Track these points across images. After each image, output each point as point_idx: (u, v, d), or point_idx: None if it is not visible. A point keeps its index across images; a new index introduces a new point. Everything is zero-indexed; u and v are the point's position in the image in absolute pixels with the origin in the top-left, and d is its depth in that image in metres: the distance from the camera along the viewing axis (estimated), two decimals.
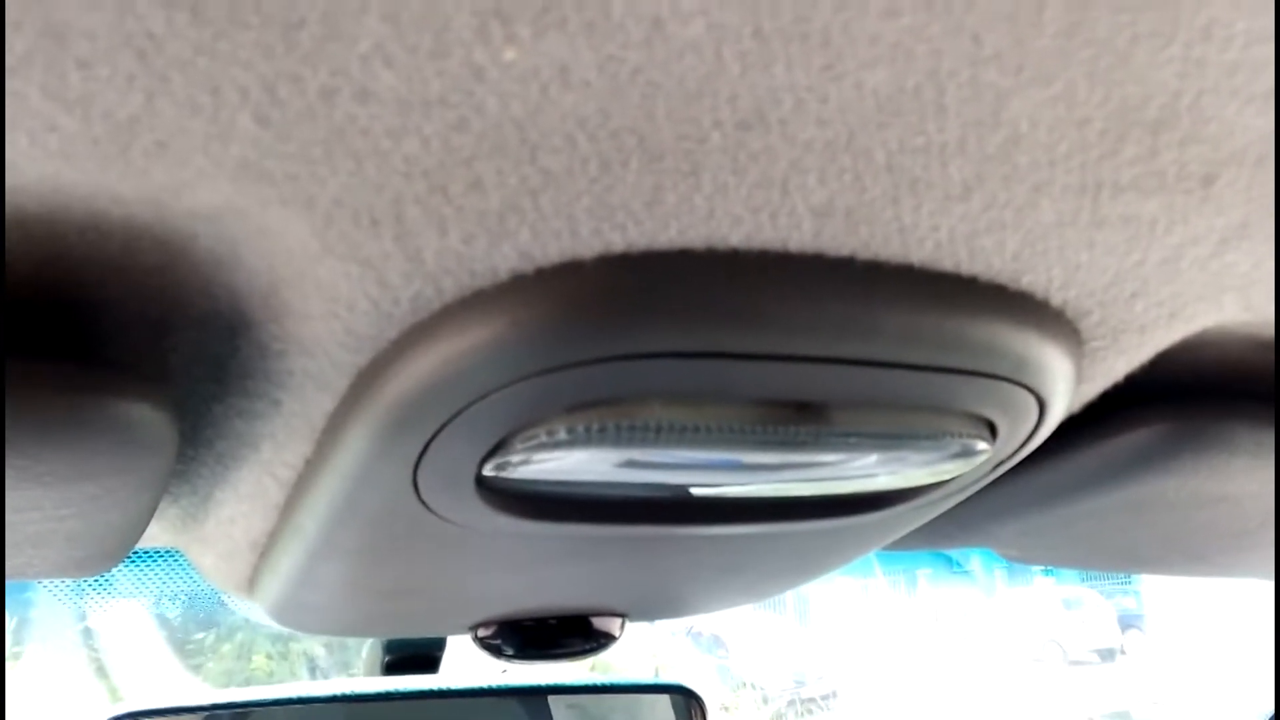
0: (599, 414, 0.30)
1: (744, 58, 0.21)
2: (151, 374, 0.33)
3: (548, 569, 0.50)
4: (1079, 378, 0.35)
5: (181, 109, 0.20)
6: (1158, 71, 0.22)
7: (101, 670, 5.37)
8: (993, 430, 0.35)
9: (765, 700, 7.76)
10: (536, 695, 1.16)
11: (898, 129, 0.23)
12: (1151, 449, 0.43)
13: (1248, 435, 0.43)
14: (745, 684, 7.90)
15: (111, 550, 0.44)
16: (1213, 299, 0.33)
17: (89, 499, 0.35)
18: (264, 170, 0.22)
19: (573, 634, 0.64)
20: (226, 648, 5.98)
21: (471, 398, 0.29)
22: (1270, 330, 0.37)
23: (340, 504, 0.37)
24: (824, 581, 0.67)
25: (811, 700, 7.84)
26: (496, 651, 0.66)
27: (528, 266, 0.26)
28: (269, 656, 6.12)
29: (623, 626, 0.67)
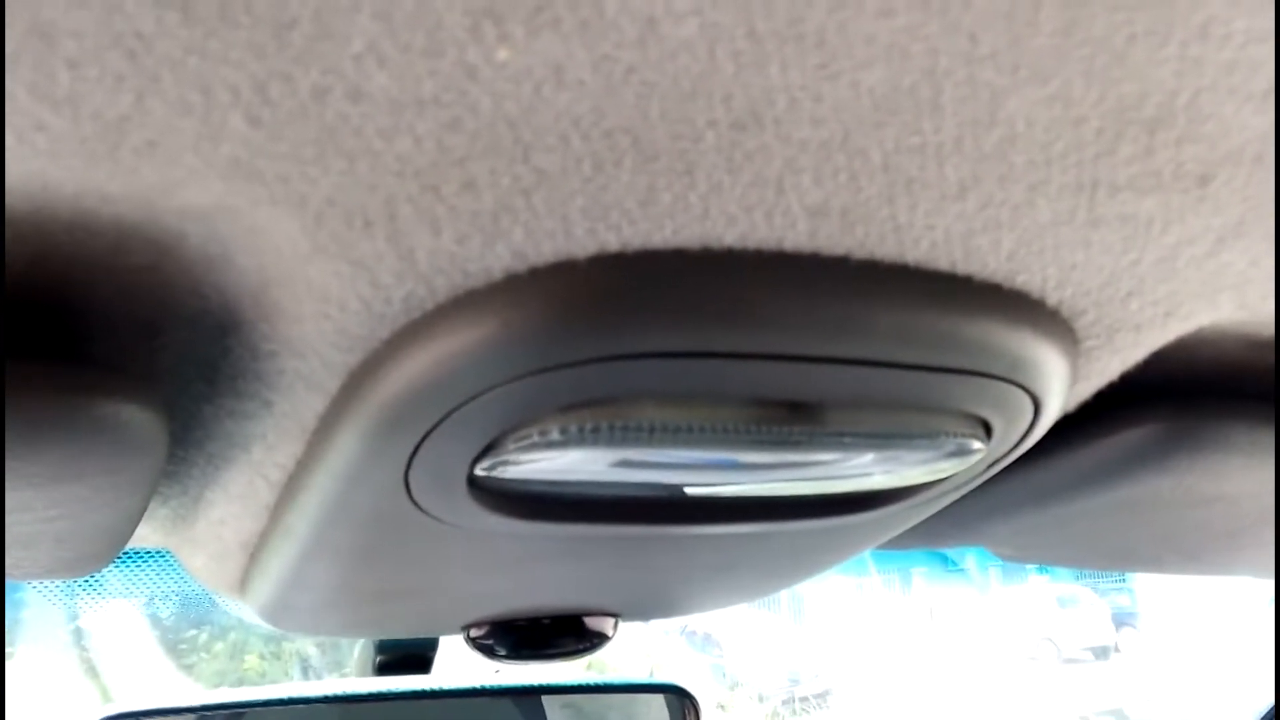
0: (592, 414, 0.29)
1: (738, 57, 0.20)
2: (141, 374, 0.33)
3: (540, 569, 0.50)
4: (1074, 377, 0.35)
5: (172, 108, 0.20)
6: (1154, 70, 0.22)
7: (93, 670, 5.35)
8: (988, 429, 0.35)
9: (761, 699, 7.77)
10: (530, 695, 1.15)
11: (893, 128, 0.23)
12: (1147, 448, 0.43)
13: (1243, 434, 0.43)
14: (740, 683, 7.91)
15: (101, 551, 0.43)
16: (1208, 298, 0.32)
17: (78, 500, 0.35)
18: (255, 170, 0.22)
19: (565, 634, 0.64)
20: (219, 647, 5.97)
21: (464, 397, 0.29)
22: (1265, 329, 0.37)
23: (332, 505, 0.37)
24: (818, 580, 0.67)
25: (807, 699, 7.86)
26: (489, 652, 0.65)
27: (521, 266, 0.26)
28: (262, 656, 6.10)
29: (616, 626, 0.66)
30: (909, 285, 0.29)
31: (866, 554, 0.57)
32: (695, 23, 0.19)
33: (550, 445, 0.30)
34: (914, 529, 0.49)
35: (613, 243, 0.26)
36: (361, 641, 1.06)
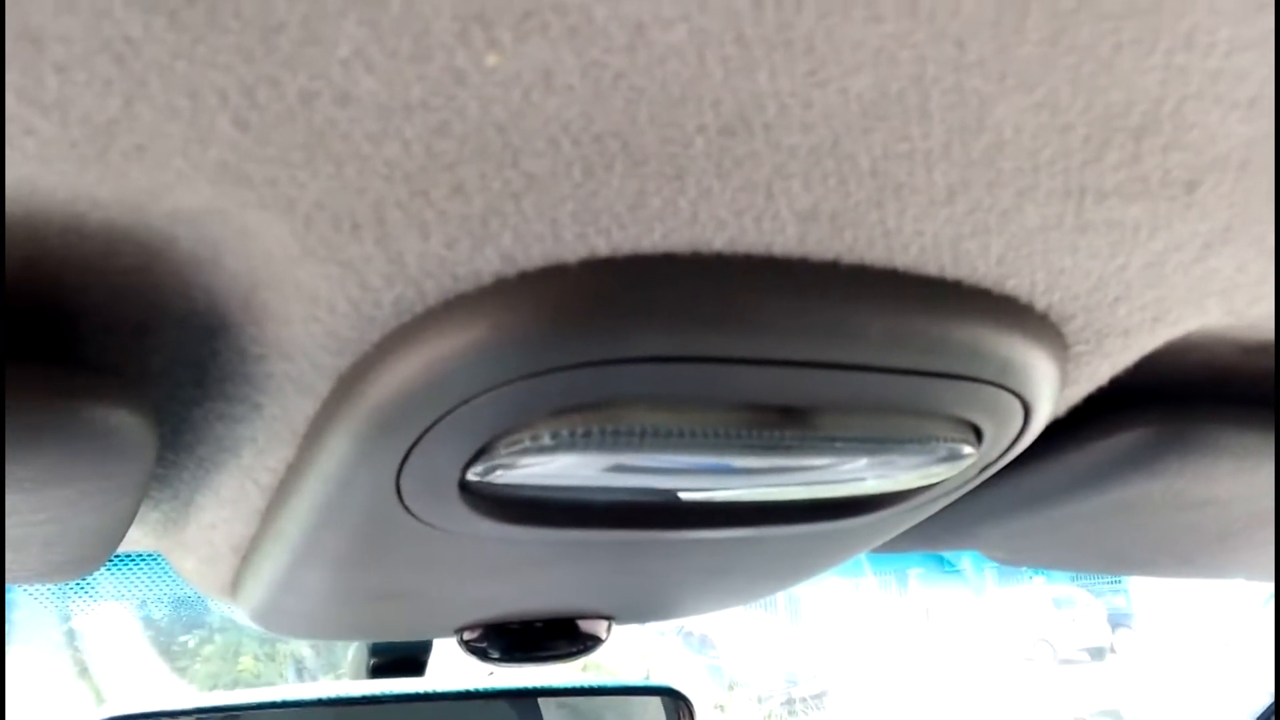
0: (584, 418, 0.29)
1: (727, 63, 0.20)
2: (131, 377, 0.32)
3: (533, 573, 0.50)
4: (1064, 381, 0.35)
5: (160, 112, 0.20)
6: (1141, 78, 0.22)
7: (85, 673, 5.33)
8: (978, 434, 0.35)
9: (759, 700, 7.77)
10: (526, 697, 1.15)
11: (882, 134, 0.23)
12: (1137, 452, 0.43)
13: (1233, 438, 0.43)
14: (737, 684, 7.91)
15: (91, 555, 0.43)
16: (1196, 303, 0.33)
17: (66, 504, 0.35)
18: (243, 173, 0.22)
19: (559, 637, 0.64)
20: (212, 650, 5.96)
21: (455, 402, 0.29)
22: (1253, 334, 0.37)
23: (322, 509, 0.36)
24: (810, 583, 0.67)
25: (804, 700, 7.86)
26: (482, 655, 0.65)
27: (511, 270, 0.26)
28: (256, 659, 6.09)
29: (609, 629, 0.66)
30: (898, 290, 0.29)
31: (862, 555, 0.57)
32: (684, 28, 0.19)
33: (542, 450, 0.30)
34: (907, 533, 0.49)
35: (602, 247, 0.26)
36: (355, 644, 1.06)
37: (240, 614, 0.58)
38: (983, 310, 0.30)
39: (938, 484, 0.40)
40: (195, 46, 0.19)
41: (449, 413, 0.29)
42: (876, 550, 0.55)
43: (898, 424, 0.33)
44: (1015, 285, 0.30)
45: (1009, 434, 0.36)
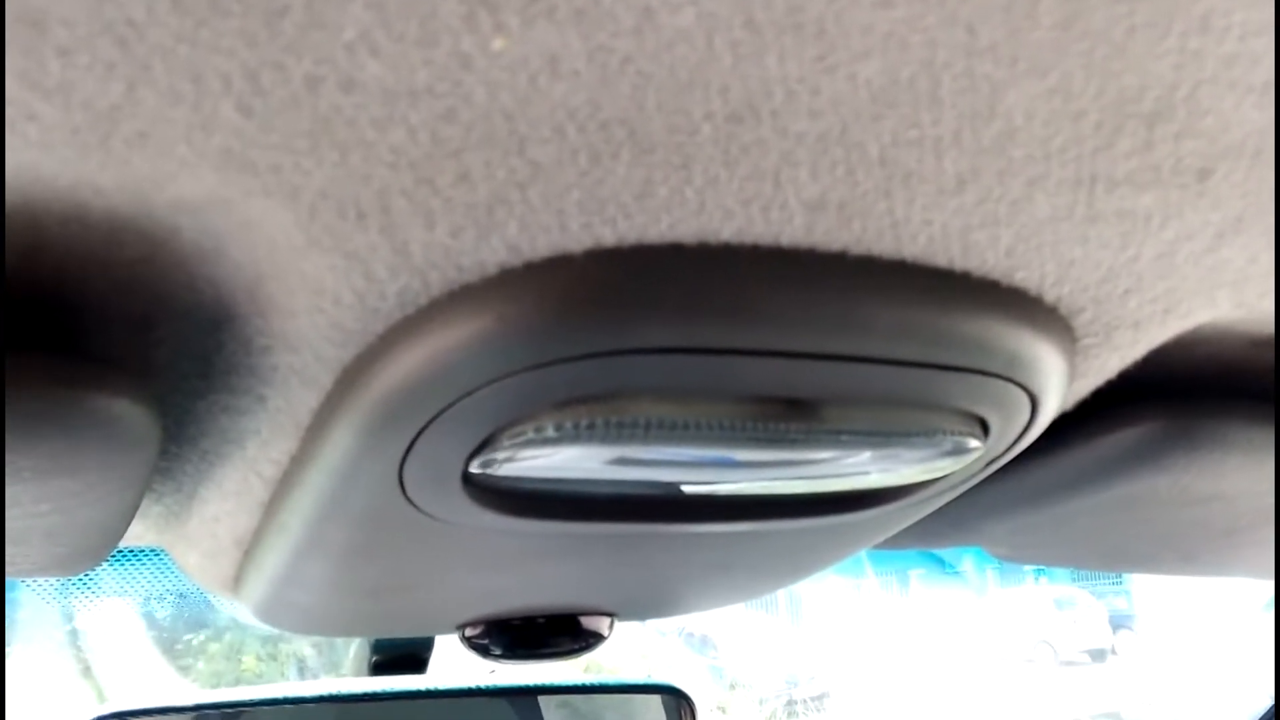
0: (588, 410, 0.29)
1: (735, 48, 0.20)
2: (134, 369, 0.32)
3: (536, 567, 0.49)
4: (1072, 375, 0.35)
5: (163, 98, 0.20)
6: (1154, 63, 0.22)
7: (88, 671, 5.34)
8: (985, 428, 0.35)
9: (760, 701, 7.77)
10: (526, 695, 1.15)
11: (891, 121, 0.23)
12: (1144, 446, 0.43)
13: (1241, 433, 0.43)
14: (738, 684, 7.90)
15: (93, 548, 0.43)
16: (1206, 295, 0.32)
17: (69, 495, 0.34)
18: (247, 160, 0.22)
19: (561, 633, 0.64)
20: (215, 648, 5.96)
21: (459, 393, 0.28)
22: (1263, 327, 0.37)
23: (326, 502, 0.36)
24: (816, 581, 0.66)
25: (805, 701, 7.85)
26: (484, 651, 0.65)
27: (516, 260, 0.26)
28: (258, 658, 6.09)
29: (612, 626, 0.66)
30: (906, 281, 0.28)
31: (863, 555, 0.57)
32: (692, 12, 0.19)
33: (546, 442, 0.30)
34: (911, 528, 0.49)
35: (608, 237, 0.25)
36: (357, 641, 1.06)
37: (242, 611, 0.58)
38: (991, 302, 0.30)
39: (943, 478, 0.40)
40: (199, 30, 0.18)
41: (453, 404, 0.29)
42: (881, 546, 0.55)
43: (904, 417, 0.33)
44: (1024, 277, 0.30)
45: (1016, 428, 0.36)
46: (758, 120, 0.22)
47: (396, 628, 0.75)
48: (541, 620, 0.64)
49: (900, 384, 0.31)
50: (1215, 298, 0.33)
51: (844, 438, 0.33)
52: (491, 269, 0.26)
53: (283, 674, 6.07)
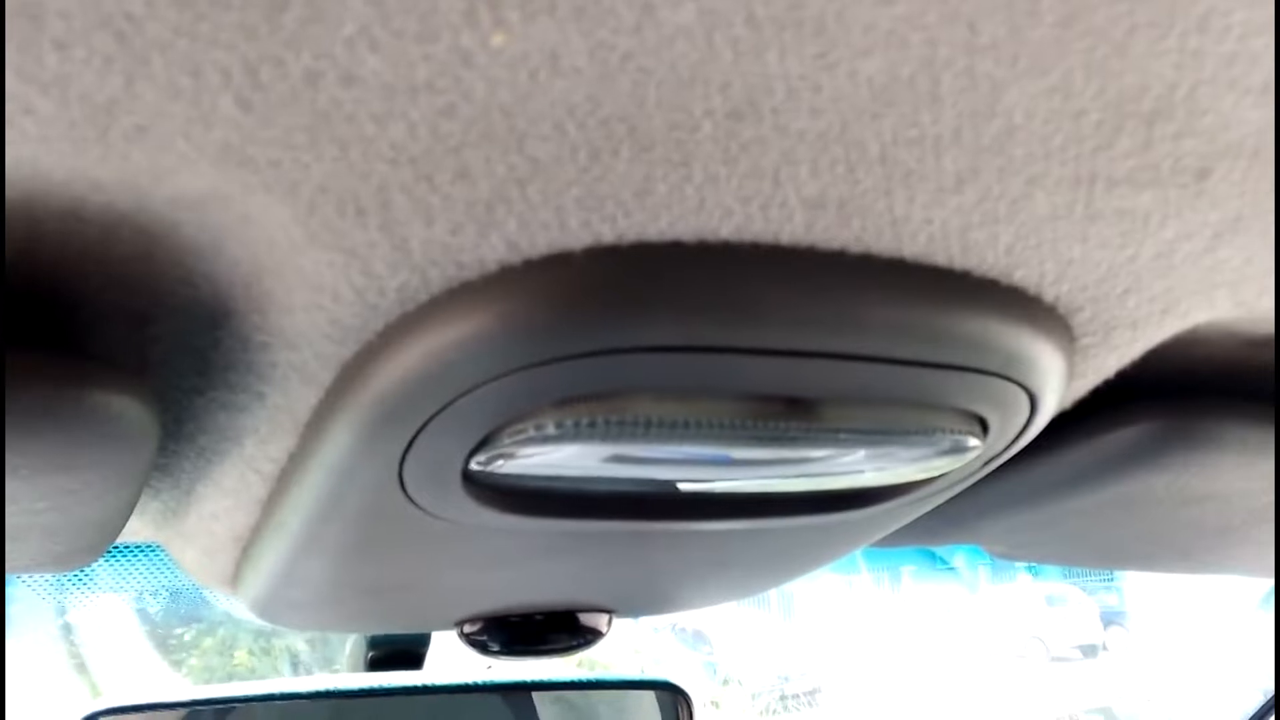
0: (587, 408, 0.29)
1: (736, 44, 0.20)
2: (132, 365, 0.32)
3: (534, 564, 0.49)
4: (1070, 374, 0.35)
5: (161, 92, 0.20)
6: (1154, 62, 0.22)
7: (81, 666, 5.33)
8: (984, 426, 0.35)
9: (753, 696, 7.79)
10: (521, 691, 1.15)
11: (891, 119, 0.23)
12: (1142, 445, 0.43)
13: (1238, 432, 0.43)
14: (731, 680, 7.92)
15: (91, 544, 0.43)
16: (1205, 295, 0.32)
17: (67, 492, 0.34)
18: (246, 155, 0.22)
19: (559, 630, 0.64)
20: (208, 643, 5.95)
21: (458, 391, 0.28)
22: (1261, 327, 0.37)
23: (324, 499, 0.36)
24: (809, 578, 0.67)
25: (797, 696, 7.88)
26: (482, 648, 0.65)
27: (516, 258, 0.26)
28: (251, 652, 6.09)
29: (610, 622, 0.66)
30: (906, 280, 0.28)
31: (857, 552, 0.57)
32: (693, 8, 0.19)
33: (545, 440, 0.30)
34: (909, 526, 0.49)
35: (608, 235, 0.25)
36: (353, 637, 1.06)
37: (239, 606, 0.58)
38: (990, 301, 0.30)
39: (941, 477, 0.40)
40: (198, 24, 0.18)
41: (452, 402, 0.29)
42: (878, 544, 0.55)
43: (903, 416, 0.33)
44: (1024, 276, 0.30)
45: (1014, 427, 0.36)
46: (758, 118, 0.22)
47: (395, 624, 0.75)
48: (540, 617, 0.64)
49: (899, 382, 0.31)
50: (1213, 297, 0.33)
51: (843, 436, 0.33)
52: (491, 266, 0.26)
53: (275, 670, 6.06)
